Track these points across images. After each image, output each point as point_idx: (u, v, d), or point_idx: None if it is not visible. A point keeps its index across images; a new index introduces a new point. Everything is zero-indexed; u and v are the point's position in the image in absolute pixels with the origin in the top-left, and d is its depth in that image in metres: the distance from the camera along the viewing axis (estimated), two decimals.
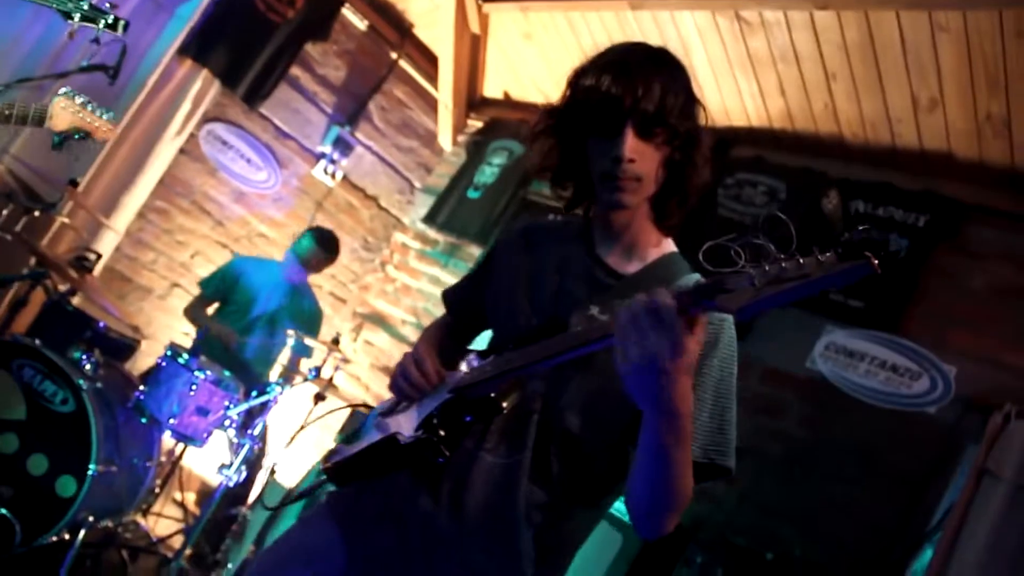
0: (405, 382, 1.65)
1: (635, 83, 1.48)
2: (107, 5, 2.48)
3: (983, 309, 3.53)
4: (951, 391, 3.41)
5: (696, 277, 1.59)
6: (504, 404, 1.50)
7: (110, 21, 2.48)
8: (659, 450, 1.28)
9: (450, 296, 1.98)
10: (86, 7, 2.44)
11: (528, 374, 1.52)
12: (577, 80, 1.58)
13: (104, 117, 2.75)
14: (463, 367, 1.62)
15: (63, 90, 2.66)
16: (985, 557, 2.97)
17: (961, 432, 3.33)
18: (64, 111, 2.65)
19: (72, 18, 2.44)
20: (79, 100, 2.68)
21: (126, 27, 2.52)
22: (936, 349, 3.51)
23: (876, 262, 0.96)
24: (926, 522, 3.24)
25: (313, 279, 5.06)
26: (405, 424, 1.58)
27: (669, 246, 1.67)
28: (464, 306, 1.93)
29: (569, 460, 1.52)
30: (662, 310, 1.14)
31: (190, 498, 5.07)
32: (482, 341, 1.90)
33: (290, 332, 4.45)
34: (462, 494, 1.51)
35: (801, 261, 1.02)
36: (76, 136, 2.71)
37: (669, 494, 1.35)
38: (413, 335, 5.40)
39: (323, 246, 4.86)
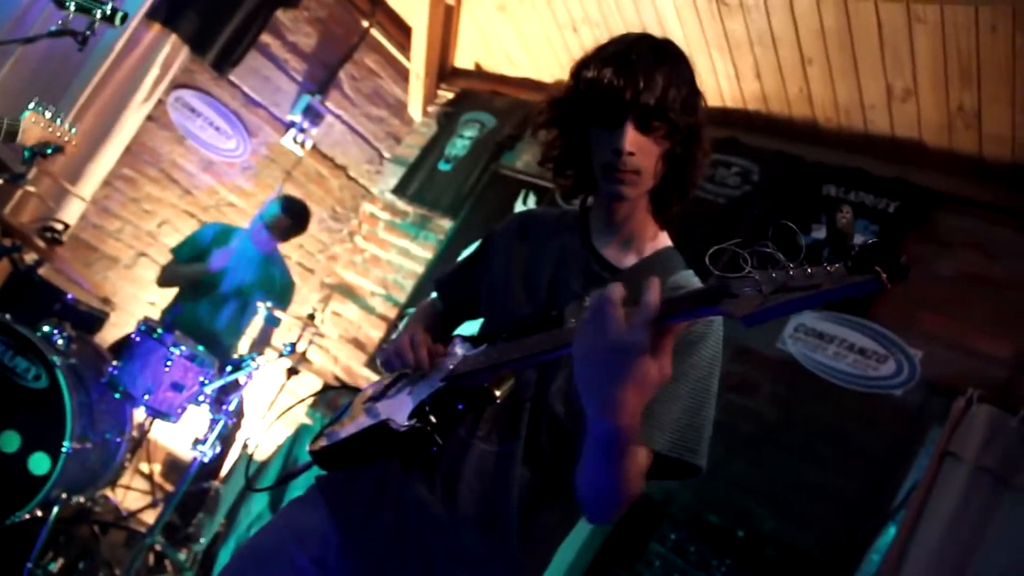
0: (399, 361, 1.64)
1: (636, 76, 1.49)
2: None
3: (949, 295, 3.61)
4: (917, 374, 3.50)
5: (690, 273, 1.61)
6: (497, 393, 1.51)
7: (108, 12, 2.41)
8: (597, 455, 1.30)
9: (441, 283, 1.98)
10: None
11: (521, 367, 1.53)
12: (580, 71, 1.59)
13: (72, 130, 2.72)
14: (452, 352, 1.63)
15: (32, 105, 2.62)
16: (945, 534, 3.08)
17: (926, 414, 3.42)
18: (35, 126, 2.61)
19: (67, 7, 2.37)
20: (48, 114, 2.64)
21: (124, 19, 2.45)
22: (903, 333, 3.59)
23: (885, 277, 0.95)
24: (890, 501, 3.33)
25: (281, 249, 5.00)
26: (396, 410, 1.57)
27: (665, 240, 1.68)
28: (455, 293, 1.93)
29: (560, 447, 1.53)
30: (617, 326, 1.14)
31: (157, 469, 5.05)
32: (464, 328, 1.91)
33: (261, 304, 4.42)
34: (456, 483, 1.52)
35: (809, 270, 0.99)
36: (48, 151, 2.68)
37: (608, 494, 1.36)
38: (382, 307, 5.39)
39: (288, 213, 4.78)
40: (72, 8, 2.37)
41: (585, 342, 1.19)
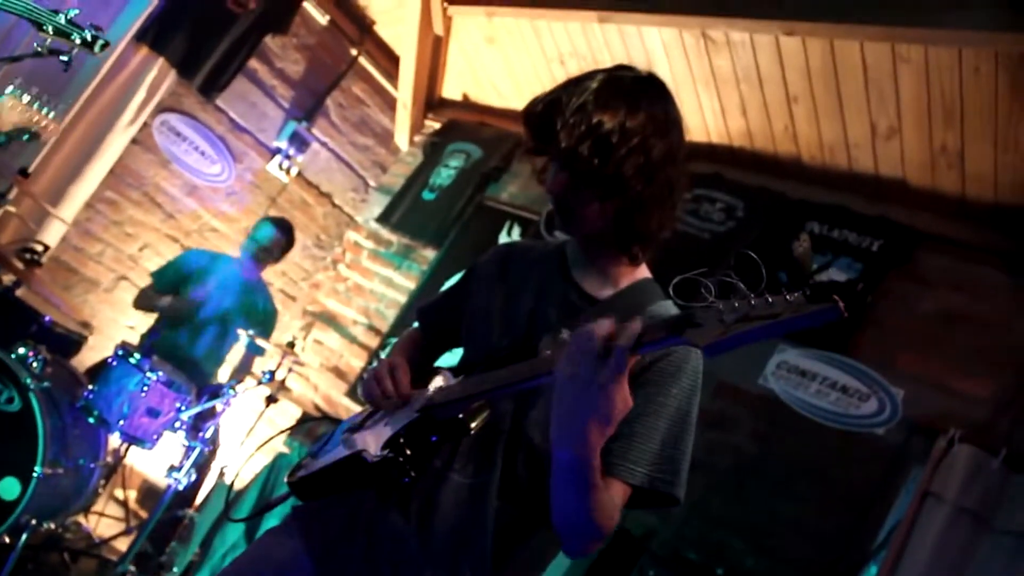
0: (377, 390, 1.63)
1: (563, 119, 1.47)
2: (89, 24, 2.37)
3: (931, 334, 3.62)
4: (898, 413, 3.49)
5: (669, 304, 1.59)
6: (472, 425, 1.49)
7: (88, 39, 2.36)
8: (564, 485, 1.34)
9: (424, 312, 1.96)
10: (62, 21, 2.33)
11: (495, 397, 1.52)
12: (527, 106, 1.58)
13: (51, 115, 2.66)
14: (435, 384, 1.61)
15: (10, 88, 2.56)
16: (926, 574, 3.06)
17: (907, 454, 3.41)
18: (12, 110, 2.56)
19: (45, 30, 2.32)
20: (26, 98, 2.59)
21: (104, 47, 2.42)
22: (885, 372, 3.59)
23: (843, 306, 0.97)
24: (871, 540, 3.32)
25: (264, 276, 4.97)
26: (372, 441, 1.55)
27: (643, 272, 1.66)
28: (437, 322, 1.91)
29: (536, 478, 1.50)
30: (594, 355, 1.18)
31: (132, 496, 4.97)
32: (449, 358, 1.90)
33: (242, 332, 4.38)
34: (431, 514, 1.51)
35: (770, 300, 1.02)
36: (24, 137, 2.63)
37: (578, 525, 1.38)
38: (364, 336, 5.35)
39: (282, 230, 4.79)
40: (51, 31, 2.32)
41: (567, 367, 1.22)
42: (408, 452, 1.46)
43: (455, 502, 1.51)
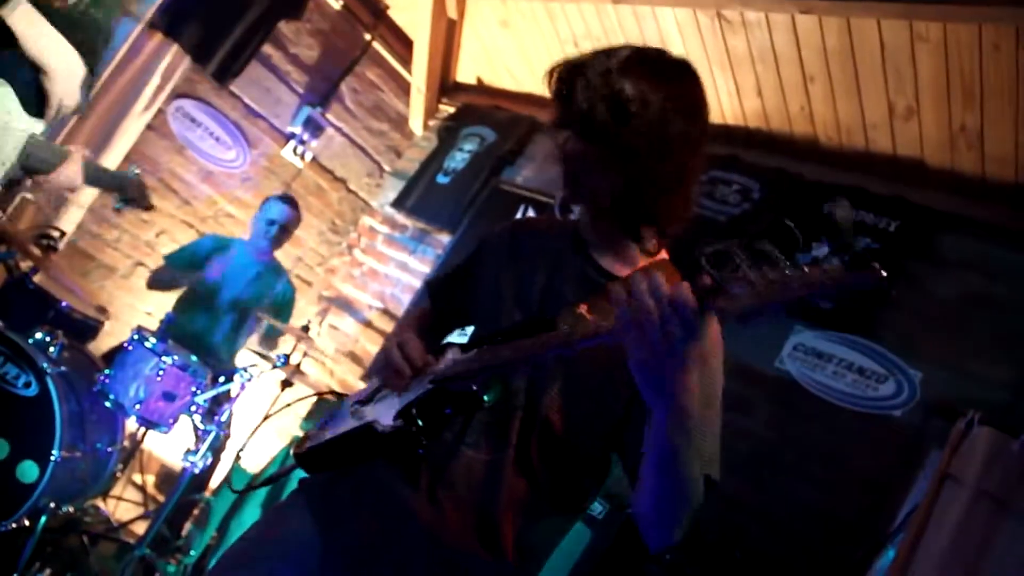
0: (388, 367, 1.63)
1: (584, 81, 1.44)
2: None
3: (950, 316, 3.57)
4: (916, 396, 3.47)
5: (686, 285, 1.57)
6: (486, 399, 1.49)
7: None
8: (667, 449, 1.24)
9: (433, 286, 1.97)
10: None
11: (511, 370, 1.51)
12: (553, 64, 1.55)
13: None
14: (444, 358, 1.61)
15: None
16: (945, 559, 3.03)
17: (925, 436, 3.38)
18: None
19: None
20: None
21: None
22: (903, 354, 3.56)
23: (884, 274, 0.95)
24: (889, 523, 3.28)
25: (281, 261, 4.97)
26: (383, 413, 1.56)
27: (661, 255, 1.65)
28: (446, 296, 1.91)
29: (550, 460, 1.51)
30: (686, 300, 1.11)
31: (150, 480, 5.01)
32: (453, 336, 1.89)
33: (260, 316, 4.38)
34: (443, 489, 1.50)
35: (806, 269, 1.00)
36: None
37: (678, 497, 1.29)
38: (379, 320, 5.36)
39: (294, 206, 4.77)
40: None
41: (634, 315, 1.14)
42: (420, 423, 1.46)
43: (468, 478, 1.50)
